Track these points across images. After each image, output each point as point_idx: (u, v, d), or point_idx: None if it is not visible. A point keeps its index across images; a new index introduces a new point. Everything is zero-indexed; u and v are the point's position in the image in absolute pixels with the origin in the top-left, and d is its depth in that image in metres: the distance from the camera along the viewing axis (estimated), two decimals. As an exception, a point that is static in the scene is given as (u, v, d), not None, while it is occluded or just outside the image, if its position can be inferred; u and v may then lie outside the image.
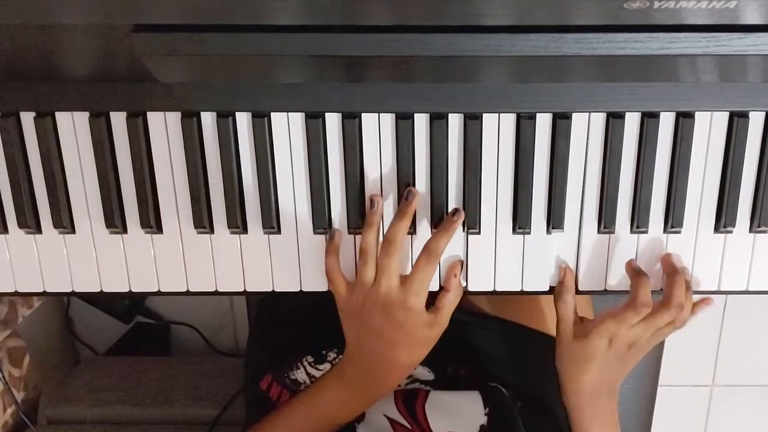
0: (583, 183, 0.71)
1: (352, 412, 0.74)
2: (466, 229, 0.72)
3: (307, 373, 0.86)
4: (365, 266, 0.69)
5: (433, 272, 0.70)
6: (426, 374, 0.82)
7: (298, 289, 0.74)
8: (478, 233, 0.72)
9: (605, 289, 0.74)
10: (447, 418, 0.73)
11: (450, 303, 0.71)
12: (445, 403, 0.74)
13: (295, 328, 0.81)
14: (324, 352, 0.86)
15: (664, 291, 0.71)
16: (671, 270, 0.72)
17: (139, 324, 1.56)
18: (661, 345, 1.03)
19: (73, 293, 0.75)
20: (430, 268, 0.69)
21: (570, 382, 0.74)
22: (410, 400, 0.76)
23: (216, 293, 0.74)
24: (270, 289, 0.74)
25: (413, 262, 0.70)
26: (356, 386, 0.73)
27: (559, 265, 0.73)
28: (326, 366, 0.85)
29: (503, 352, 0.88)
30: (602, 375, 0.73)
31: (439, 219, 0.71)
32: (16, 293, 0.75)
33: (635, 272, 0.72)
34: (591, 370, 0.72)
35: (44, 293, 0.75)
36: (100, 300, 1.47)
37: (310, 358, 0.86)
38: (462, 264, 0.73)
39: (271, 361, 0.78)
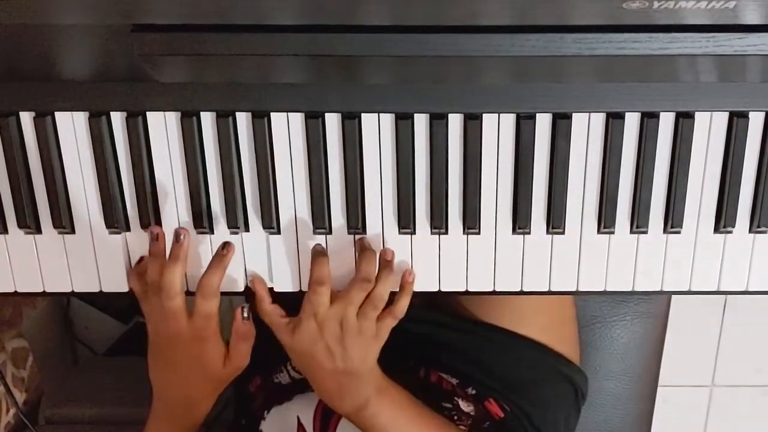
0: (583, 183, 0.71)
1: None
2: (466, 229, 0.72)
3: (291, 377, 0.86)
4: (154, 298, 0.71)
5: (216, 305, 0.70)
6: None
7: (297, 289, 0.74)
8: (478, 233, 0.72)
9: (605, 290, 0.74)
10: None
11: (235, 345, 0.73)
12: None
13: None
14: None
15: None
16: (362, 247, 0.72)
17: (139, 324, 1.55)
18: (661, 345, 1.03)
19: (72, 293, 0.75)
20: (207, 303, 0.70)
21: (313, 382, 0.72)
22: (330, 410, 0.76)
23: (216, 293, 0.74)
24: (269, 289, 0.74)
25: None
26: (166, 419, 0.76)
27: (250, 275, 0.73)
28: None
29: (485, 356, 0.87)
30: (337, 365, 0.70)
31: (438, 219, 0.71)
32: (15, 293, 0.75)
33: (313, 254, 0.71)
34: (322, 362, 0.70)
35: (44, 293, 0.75)
36: (100, 300, 1.47)
37: None
38: (245, 308, 0.73)
39: (260, 363, 0.79)
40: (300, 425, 0.76)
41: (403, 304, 0.71)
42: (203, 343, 0.71)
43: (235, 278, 0.74)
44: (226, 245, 0.71)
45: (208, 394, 0.76)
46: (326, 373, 0.70)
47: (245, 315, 0.72)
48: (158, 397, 0.76)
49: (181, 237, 0.70)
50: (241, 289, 0.74)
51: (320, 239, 0.73)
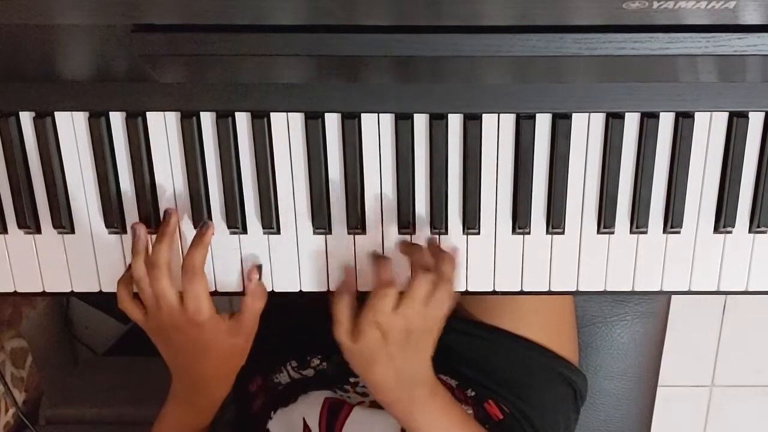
0: (583, 183, 0.71)
1: (196, 420, 0.78)
2: (465, 229, 0.72)
3: (291, 377, 0.86)
4: (142, 294, 0.70)
5: (204, 286, 0.69)
6: None
7: (297, 290, 0.74)
8: (478, 233, 0.72)
9: (605, 290, 0.74)
10: None
11: (249, 307, 0.72)
12: (365, 424, 0.74)
13: (283, 331, 0.81)
14: (308, 357, 0.86)
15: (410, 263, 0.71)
16: (405, 243, 0.71)
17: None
18: (661, 345, 1.03)
19: (72, 293, 0.75)
20: (194, 284, 0.69)
21: (371, 384, 0.70)
22: (335, 411, 0.76)
23: (215, 293, 0.74)
24: (270, 290, 0.74)
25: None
26: (185, 399, 0.76)
27: (345, 268, 0.73)
28: (309, 371, 0.85)
29: (484, 357, 0.87)
30: (397, 367, 0.68)
31: (438, 220, 0.71)
32: (15, 293, 0.75)
33: (374, 258, 0.71)
34: (382, 367, 0.68)
35: (43, 293, 0.75)
36: (99, 300, 1.47)
37: (294, 363, 0.86)
38: (259, 267, 0.72)
39: (260, 363, 0.79)
40: (306, 427, 0.76)
41: (448, 272, 0.68)
42: (200, 328, 0.70)
43: (233, 277, 0.74)
44: (204, 224, 0.71)
45: (225, 372, 0.75)
46: (383, 376, 0.68)
47: (258, 276, 0.72)
48: (176, 377, 0.76)
49: (169, 215, 0.70)
50: (240, 288, 0.74)
51: (320, 239, 0.73)
